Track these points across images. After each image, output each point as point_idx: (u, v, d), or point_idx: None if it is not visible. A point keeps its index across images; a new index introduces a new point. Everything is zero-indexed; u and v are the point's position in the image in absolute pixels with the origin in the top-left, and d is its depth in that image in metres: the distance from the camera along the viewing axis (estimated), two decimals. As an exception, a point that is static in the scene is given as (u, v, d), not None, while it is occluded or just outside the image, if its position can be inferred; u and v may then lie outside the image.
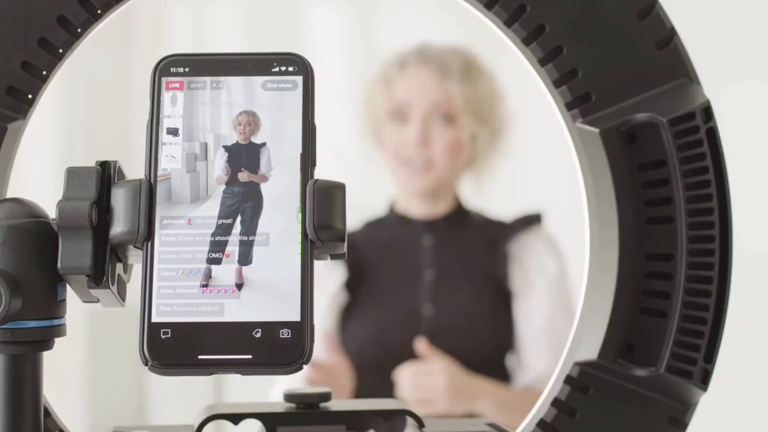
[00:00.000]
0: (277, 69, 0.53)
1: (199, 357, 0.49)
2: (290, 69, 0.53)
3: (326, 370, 1.48)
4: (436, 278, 1.57)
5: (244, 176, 0.51)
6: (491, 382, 1.51)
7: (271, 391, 1.58)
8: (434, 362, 1.48)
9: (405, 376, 1.49)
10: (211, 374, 0.49)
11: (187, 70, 0.53)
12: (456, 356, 1.50)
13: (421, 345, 1.49)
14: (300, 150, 0.52)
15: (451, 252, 1.60)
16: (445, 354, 1.50)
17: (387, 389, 1.49)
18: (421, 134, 1.55)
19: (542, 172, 2.19)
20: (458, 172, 1.61)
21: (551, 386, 0.66)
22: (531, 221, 1.61)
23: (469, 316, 1.56)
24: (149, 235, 0.50)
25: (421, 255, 1.59)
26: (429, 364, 1.48)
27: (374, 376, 1.52)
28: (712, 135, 0.65)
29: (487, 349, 1.56)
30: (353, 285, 1.58)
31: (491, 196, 1.72)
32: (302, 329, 0.49)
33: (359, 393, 1.53)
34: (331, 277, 1.57)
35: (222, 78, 0.53)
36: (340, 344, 1.57)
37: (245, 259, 0.50)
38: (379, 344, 1.54)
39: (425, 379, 1.47)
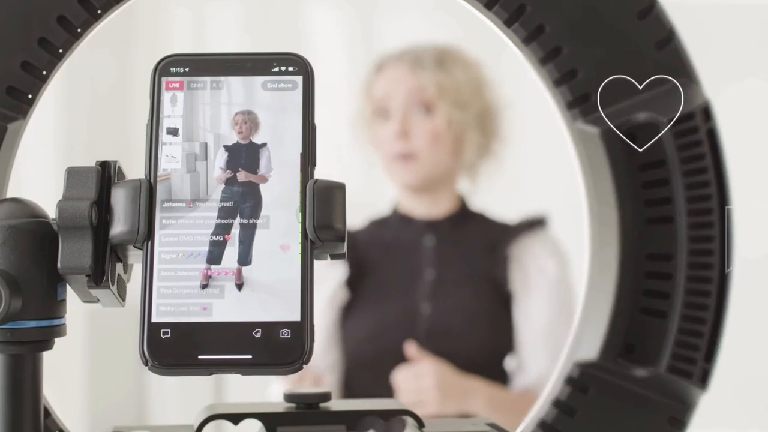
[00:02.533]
0: (277, 69, 0.53)
1: (199, 357, 0.49)
2: (290, 69, 0.53)
3: None
4: (436, 278, 1.57)
5: (243, 176, 0.51)
6: (484, 382, 1.51)
7: (274, 385, 1.58)
8: (423, 364, 1.48)
9: (397, 380, 1.49)
10: (211, 374, 0.49)
11: (187, 70, 0.53)
12: (454, 356, 1.50)
13: (410, 348, 1.50)
14: (300, 150, 0.52)
15: (452, 252, 1.60)
16: (443, 354, 1.50)
17: (385, 386, 1.49)
18: (400, 126, 1.56)
19: (543, 172, 2.19)
20: (448, 162, 1.60)
21: (551, 386, 0.66)
22: (534, 224, 1.61)
23: (468, 316, 1.56)
24: (149, 235, 0.50)
25: (422, 255, 1.60)
26: (418, 367, 1.48)
27: (372, 374, 1.53)
28: (712, 135, 0.65)
29: (485, 350, 1.56)
30: (354, 283, 1.58)
31: (492, 196, 1.72)
32: (302, 329, 0.49)
33: (357, 390, 1.54)
34: (332, 275, 1.58)
35: (222, 78, 0.53)
36: (339, 341, 1.57)
37: (245, 259, 0.50)
38: (377, 341, 1.54)
39: (414, 382, 1.47)
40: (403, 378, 1.48)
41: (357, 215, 1.63)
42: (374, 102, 1.60)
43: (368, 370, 1.53)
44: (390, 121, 1.58)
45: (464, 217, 1.63)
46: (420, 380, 1.47)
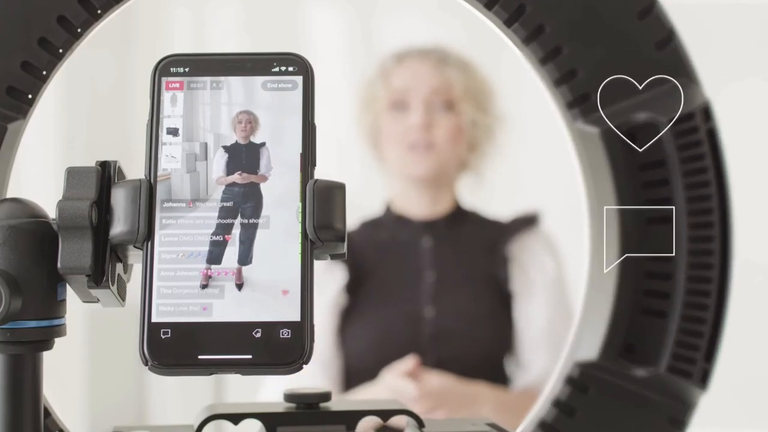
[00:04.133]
0: (277, 69, 0.53)
1: (199, 357, 0.49)
2: (290, 69, 0.53)
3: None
4: (437, 280, 1.57)
5: (243, 176, 0.51)
6: (488, 386, 1.51)
7: (263, 388, 1.58)
8: (430, 377, 1.47)
9: (401, 390, 1.48)
10: (211, 374, 0.49)
11: (187, 70, 0.53)
12: (458, 359, 1.50)
13: (411, 362, 1.48)
14: (300, 150, 0.52)
15: (451, 253, 1.60)
16: (447, 357, 1.50)
17: None
18: (424, 118, 1.56)
19: (543, 172, 2.19)
20: (459, 160, 1.60)
21: (551, 386, 0.66)
22: (529, 222, 1.61)
23: (469, 318, 1.56)
24: (149, 235, 0.50)
25: (420, 256, 1.59)
26: (425, 380, 1.47)
27: (375, 379, 1.52)
28: (712, 135, 0.65)
29: (488, 351, 1.56)
30: (353, 287, 1.58)
31: (491, 197, 1.72)
32: (302, 329, 0.49)
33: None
34: (331, 279, 1.57)
35: (222, 78, 0.53)
36: (340, 346, 1.57)
37: (245, 259, 0.50)
38: (379, 346, 1.54)
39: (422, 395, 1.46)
40: (410, 391, 1.47)
41: (354, 216, 1.63)
42: (393, 92, 1.59)
43: (371, 375, 1.53)
44: (409, 113, 1.57)
45: (460, 217, 1.63)
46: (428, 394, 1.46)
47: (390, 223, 1.64)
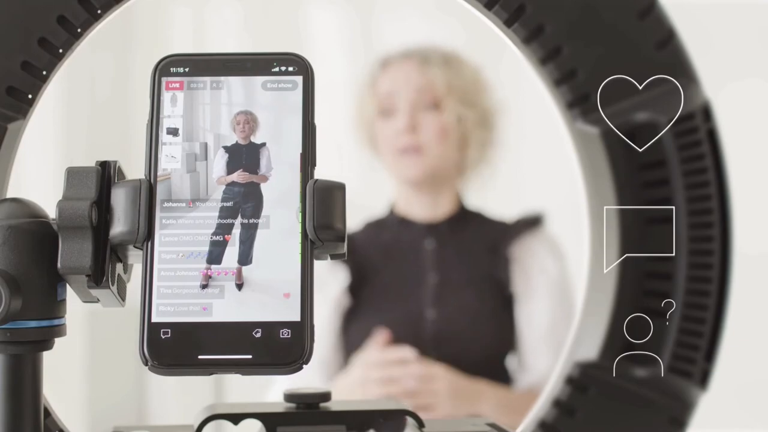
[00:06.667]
0: (277, 69, 0.53)
1: (199, 357, 0.49)
2: (290, 69, 0.53)
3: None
4: (439, 281, 1.57)
5: (243, 176, 0.51)
6: (493, 385, 1.51)
7: (269, 391, 1.58)
8: (435, 367, 1.48)
9: (403, 379, 1.48)
10: (211, 374, 0.49)
11: (187, 70, 0.53)
12: (459, 359, 1.50)
13: (382, 335, 1.49)
14: (300, 150, 0.52)
15: (454, 255, 1.60)
16: (449, 357, 1.50)
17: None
18: (409, 121, 1.56)
19: (543, 172, 2.19)
20: (452, 159, 1.60)
21: (551, 386, 0.66)
22: (532, 223, 1.61)
23: (472, 319, 1.56)
24: (149, 235, 0.50)
25: (423, 258, 1.59)
26: (430, 369, 1.48)
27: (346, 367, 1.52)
28: (712, 135, 0.65)
29: (489, 351, 1.56)
30: (356, 288, 1.58)
31: (491, 197, 1.71)
32: (302, 329, 0.49)
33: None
34: (334, 280, 1.57)
35: (222, 78, 0.53)
36: (342, 346, 1.57)
37: (245, 259, 0.50)
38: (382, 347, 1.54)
39: (426, 385, 1.47)
40: (414, 379, 1.47)
41: (356, 217, 1.63)
42: (379, 100, 1.59)
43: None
44: (395, 117, 1.58)
45: (463, 218, 1.63)
46: (432, 383, 1.47)
47: (393, 225, 1.64)
